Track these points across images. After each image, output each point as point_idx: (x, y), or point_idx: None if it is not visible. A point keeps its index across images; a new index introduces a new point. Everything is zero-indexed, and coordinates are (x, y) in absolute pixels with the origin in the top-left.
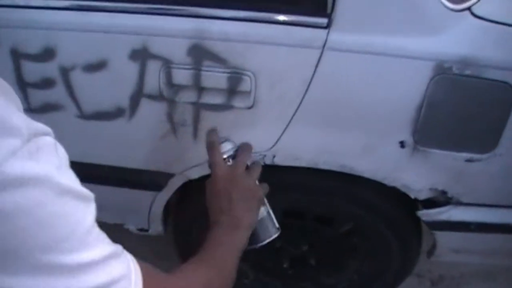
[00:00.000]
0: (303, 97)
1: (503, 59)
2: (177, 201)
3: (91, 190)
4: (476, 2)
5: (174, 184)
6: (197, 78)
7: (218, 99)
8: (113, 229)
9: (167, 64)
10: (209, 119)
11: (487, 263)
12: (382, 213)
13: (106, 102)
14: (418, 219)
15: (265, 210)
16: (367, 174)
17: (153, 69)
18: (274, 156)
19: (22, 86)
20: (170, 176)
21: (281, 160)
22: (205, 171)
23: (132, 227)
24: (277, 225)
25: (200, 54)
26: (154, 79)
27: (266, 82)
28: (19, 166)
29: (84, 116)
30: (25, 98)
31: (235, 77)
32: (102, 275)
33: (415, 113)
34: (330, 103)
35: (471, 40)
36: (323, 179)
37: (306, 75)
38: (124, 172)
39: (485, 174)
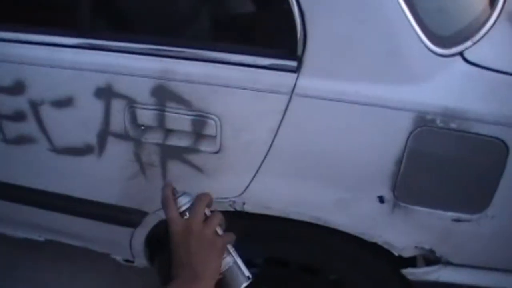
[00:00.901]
0: (270, 145)
1: (497, 112)
2: (158, 235)
3: (72, 222)
4: (470, 46)
5: (148, 222)
6: (161, 119)
7: (184, 142)
8: None
9: (131, 104)
10: (176, 162)
11: None
12: (365, 268)
13: (75, 138)
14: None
15: (231, 259)
16: (343, 228)
17: (118, 108)
18: (244, 203)
19: None
20: (144, 214)
21: (251, 208)
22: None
23: (119, 258)
24: (247, 273)
25: (164, 95)
26: (119, 118)
27: (231, 128)
28: None
29: (56, 150)
30: (0, 130)
31: (200, 120)
32: None
33: (394, 167)
34: (299, 152)
35: (459, 89)
36: (301, 228)
37: (273, 122)
38: (100, 206)
39: (476, 235)
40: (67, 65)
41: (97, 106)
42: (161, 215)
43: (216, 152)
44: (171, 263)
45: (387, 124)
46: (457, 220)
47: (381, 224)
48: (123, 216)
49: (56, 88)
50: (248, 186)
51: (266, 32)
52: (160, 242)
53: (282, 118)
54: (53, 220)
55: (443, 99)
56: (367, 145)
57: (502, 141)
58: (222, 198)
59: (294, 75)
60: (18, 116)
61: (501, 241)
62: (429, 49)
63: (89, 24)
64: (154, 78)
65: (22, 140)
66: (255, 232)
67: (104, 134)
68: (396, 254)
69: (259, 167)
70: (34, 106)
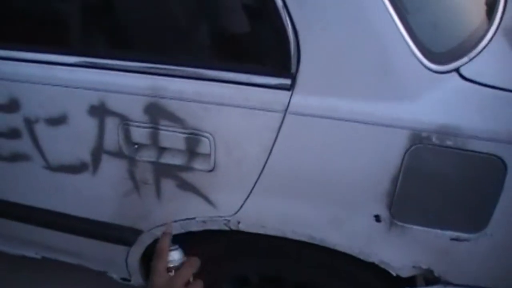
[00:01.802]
0: (264, 164)
1: (494, 129)
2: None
3: (68, 239)
4: (467, 63)
5: (144, 241)
6: (155, 137)
7: (177, 160)
8: None
9: (125, 122)
10: (170, 180)
11: None
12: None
13: (69, 156)
14: None
15: None
16: (339, 248)
17: (112, 126)
18: (238, 222)
19: None
20: (138, 232)
21: (246, 227)
22: (173, 230)
23: (115, 276)
24: None
25: (157, 112)
26: (113, 136)
27: (225, 146)
28: None
29: (51, 167)
30: None
31: (193, 138)
32: None
33: (390, 185)
34: (293, 171)
35: (455, 106)
36: (298, 246)
37: (267, 140)
38: (95, 224)
39: (475, 255)
40: (61, 83)
41: (91, 124)
42: (156, 233)
43: (210, 171)
44: None
45: (383, 142)
46: (456, 239)
47: (378, 243)
48: (118, 234)
49: (50, 106)
50: (242, 205)
51: (259, 50)
52: None
53: (276, 136)
54: (49, 238)
55: (439, 116)
56: (363, 163)
57: (499, 158)
58: (216, 216)
59: (288, 93)
60: (13, 134)
61: (501, 261)
62: (424, 65)
63: (82, 42)
64: (146, 95)
65: (16, 157)
66: (250, 249)
67: (98, 152)
68: (394, 274)
69: (254, 186)
70: (29, 123)
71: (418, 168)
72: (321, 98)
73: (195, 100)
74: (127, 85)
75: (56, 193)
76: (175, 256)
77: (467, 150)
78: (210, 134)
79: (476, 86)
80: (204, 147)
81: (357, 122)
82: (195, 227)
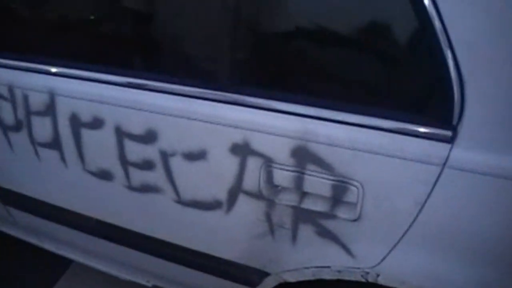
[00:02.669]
0: (415, 218)
1: None
2: None
3: (187, 273)
4: None
5: (268, 284)
6: (299, 181)
7: (320, 207)
8: None
9: (269, 163)
10: (309, 226)
11: None
12: None
13: (203, 192)
14: None
15: None
16: None
17: (254, 166)
18: (378, 275)
19: (124, 164)
20: (265, 274)
21: (386, 281)
22: (304, 276)
23: None
24: None
25: (304, 156)
26: (254, 176)
27: (375, 196)
28: None
29: (182, 202)
30: (126, 176)
31: (341, 186)
32: None
33: None
34: (444, 227)
35: None
36: None
37: (420, 193)
38: (219, 262)
39: None
40: (204, 118)
41: (232, 162)
42: (284, 277)
43: (355, 220)
44: None
45: None
46: None
47: None
48: (243, 274)
49: (189, 140)
50: (385, 257)
51: (419, 98)
52: None
53: (431, 190)
54: (168, 269)
55: None
56: None
57: None
58: (354, 268)
59: (448, 146)
60: (146, 165)
61: None
62: None
63: (229, 79)
64: (294, 138)
65: (147, 188)
66: None
67: (235, 191)
68: None
69: (400, 239)
70: (164, 156)
71: None
72: (484, 153)
73: (347, 146)
74: (275, 126)
75: (183, 227)
76: None
77: None
78: (359, 183)
79: None
80: (351, 196)
81: None
82: (328, 276)
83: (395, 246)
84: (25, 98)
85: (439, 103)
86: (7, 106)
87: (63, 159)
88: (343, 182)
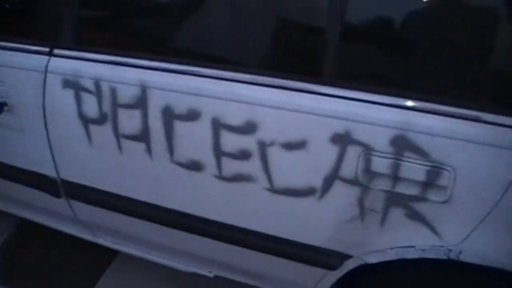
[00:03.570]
0: (499, 200)
1: None
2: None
3: (259, 259)
4: None
5: (348, 266)
6: (395, 167)
7: (413, 191)
8: None
9: (368, 151)
10: (399, 209)
11: None
12: None
13: (298, 180)
14: None
15: None
16: None
17: (353, 154)
18: (460, 252)
19: (217, 154)
20: (347, 257)
21: (467, 257)
22: (386, 256)
23: None
24: None
25: (402, 145)
26: (352, 164)
27: (466, 180)
28: None
29: (274, 190)
30: (217, 166)
31: (435, 171)
32: None
33: None
34: None
35: None
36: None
37: (507, 178)
38: (301, 246)
39: None
40: (307, 110)
41: (331, 151)
42: (366, 259)
43: (444, 202)
44: None
45: None
46: None
47: None
48: (324, 258)
49: (290, 132)
50: (468, 235)
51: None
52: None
53: None
54: (241, 257)
55: None
56: None
57: None
58: (438, 246)
59: None
60: (242, 155)
61: None
62: None
63: (332, 74)
64: (394, 128)
65: (238, 178)
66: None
67: (331, 178)
68: None
69: (483, 219)
70: (262, 146)
71: None
72: None
73: (445, 136)
74: (377, 117)
75: (271, 215)
76: None
77: None
78: (452, 168)
79: None
80: (443, 180)
81: None
82: (411, 255)
83: (478, 225)
84: (113, 91)
85: None
86: (91, 100)
87: (148, 151)
88: (437, 167)
